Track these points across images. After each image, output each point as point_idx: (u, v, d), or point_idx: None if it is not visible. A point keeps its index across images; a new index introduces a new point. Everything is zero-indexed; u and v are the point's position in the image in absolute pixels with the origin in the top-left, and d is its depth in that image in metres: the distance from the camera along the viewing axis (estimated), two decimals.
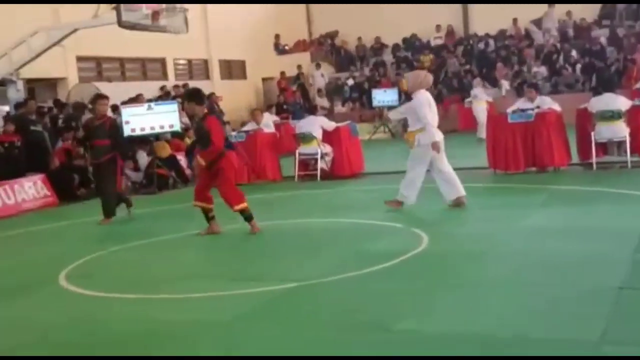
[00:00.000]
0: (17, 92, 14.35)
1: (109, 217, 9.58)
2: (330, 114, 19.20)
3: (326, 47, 27.08)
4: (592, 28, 22.76)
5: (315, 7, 27.78)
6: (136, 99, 15.70)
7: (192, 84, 18.25)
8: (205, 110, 8.11)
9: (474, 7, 25.29)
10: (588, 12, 23.44)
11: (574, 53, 21.83)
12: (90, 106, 14.99)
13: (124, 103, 15.00)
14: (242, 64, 24.73)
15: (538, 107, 11.05)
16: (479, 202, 8.88)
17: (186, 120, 15.26)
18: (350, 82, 24.41)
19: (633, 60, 20.06)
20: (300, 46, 27.08)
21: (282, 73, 24.36)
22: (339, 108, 23.72)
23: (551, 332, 4.11)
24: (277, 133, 14.10)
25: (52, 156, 12.59)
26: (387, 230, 7.54)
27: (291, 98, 22.66)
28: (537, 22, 23.80)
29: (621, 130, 10.50)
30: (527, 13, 23.76)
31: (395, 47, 25.63)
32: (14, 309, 5.67)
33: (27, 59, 14.30)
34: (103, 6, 13.84)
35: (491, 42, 24.09)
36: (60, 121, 14.35)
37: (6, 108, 14.72)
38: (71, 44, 15.78)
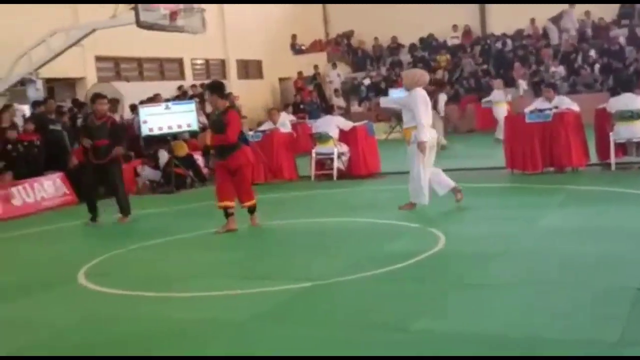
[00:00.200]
0: (36, 92, 14.50)
1: (127, 215, 9.65)
2: (346, 114, 19.20)
3: (343, 47, 27.09)
4: (611, 28, 22.58)
5: (331, 7, 27.81)
6: (154, 99, 15.81)
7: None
8: (227, 104, 8.33)
9: (491, 7, 25.20)
10: (607, 12, 23.25)
11: (592, 53, 21.67)
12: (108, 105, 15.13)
13: (141, 103, 15.11)
14: (258, 64, 24.81)
15: (556, 107, 10.98)
16: (496, 202, 8.86)
17: (204, 119, 15.36)
18: (367, 81, 24.40)
19: None
20: (316, 46, 27.11)
21: (300, 73, 24.40)
22: (355, 108, 23.72)
23: (568, 333, 4.09)
24: (294, 133, 14.12)
25: (71, 155, 12.70)
26: (403, 230, 7.53)
27: (308, 98, 22.71)
28: (555, 20, 23.61)
29: None
30: (544, 12, 23.63)
31: (412, 47, 25.59)
32: (32, 307, 5.73)
33: (46, 59, 14.45)
34: (121, 6, 13.94)
35: (508, 41, 23.98)
36: (79, 120, 14.47)
37: (26, 107, 14.88)
38: (90, 44, 15.93)
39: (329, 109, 15.58)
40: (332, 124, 12.65)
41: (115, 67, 19.25)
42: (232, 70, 23.38)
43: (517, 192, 9.78)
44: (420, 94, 8.40)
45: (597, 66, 21.10)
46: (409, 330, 4.33)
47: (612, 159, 10.53)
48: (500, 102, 16.72)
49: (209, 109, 16.66)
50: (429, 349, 3.98)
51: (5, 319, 5.42)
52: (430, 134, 8.37)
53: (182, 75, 21.26)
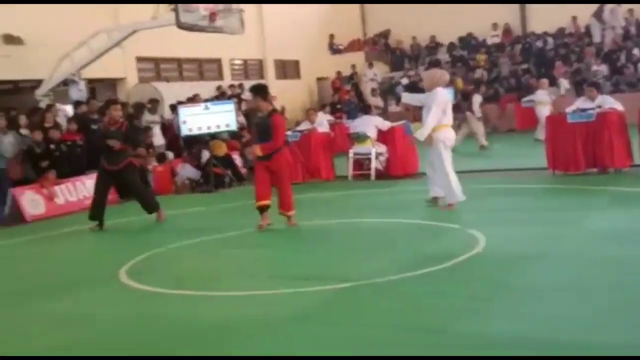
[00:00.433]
0: (79, 92, 14.76)
1: (157, 209, 9.72)
2: (384, 114, 19.13)
3: (380, 47, 26.99)
4: None
5: (369, 7, 27.73)
6: (193, 99, 15.97)
7: (247, 83, 18.41)
8: (271, 107, 8.37)
9: (531, 5, 24.84)
10: None
11: (636, 51, 21.21)
12: (149, 106, 15.35)
13: (181, 103, 15.27)
14: (296, 64, 24.87)
15: (599, 106, 10.77)
16: (537, 204, 8.73)
17: (242, 119, 15.46)
18: (405, 81, 24.27)
19: None
20: (354, 46, 27.06)
21: (338, 73, 24.39)
22: (392, 107, 23.61)
23: (615, 336, 4.01)
24: (332, 132, 14.13)
25: None
26: (442, 231, 7.48)
27: (345, 97, 22.68)
28: (598, 15, 23.05)
29: None
30: (586, 10, 23.17)
31: (451, 46, 25.38)
32: (75, 305, 5.82)
33: (88, 60, 14.70)
34: (162, 8, 14.11)
35: (549, 40, 23.61)
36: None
37: (68, 107, 15.15)
38: (130, 45, 16.15)
39: (366, 109, 15.54)
40: (370, 124, 12.62)
41: (156, 67, 19.48)
42: (270, 70, 23.47)
43: (559, 193, 9.61)
44: (440, 94, 8.47)
45: None
46: (450, 332, 4.29)
47: None
48: (544, 102, 16.48)
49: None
50: (473, 351, 3.93)
51: (49, 316, 5.52)
52: (447, 135, 8.48)
53: (220, 76, 21.41)
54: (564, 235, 6.77)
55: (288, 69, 24.64)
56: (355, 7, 27.72)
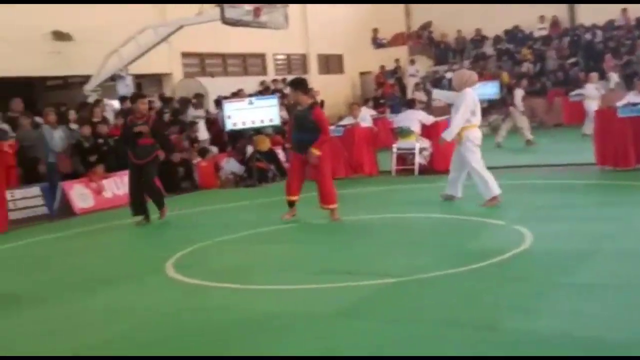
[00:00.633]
0: (126, 87, 15.01)
1: (162, 207, 9.75)
2: (427, 108, 18.98)
3: (424, 40, 26.75)
4: None
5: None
6: (237, 94, 16.09)
7: (291, 78, 18.52)
8: (311, 101, 8.39)
9: None
10: None
11: None
12: (194, 101, 15.53)
13: (225, 98, 15.40)
14: (339, 58, 24.85)
15: None
16: (586, 200, 8.56)
17: (285, 114, 15.52)
18: (449, 75, 24.00)
19: None
20: (398, 40, 26.90)
21: (382, 67, 24.27)
22: (436, 102, 23.37)
23: None
24: (375, 127, 14.07)
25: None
26: (487, 227, 7.38)
27: (389, 92, 22.56)
28: None
29: None
30: (637, 2, 22.58)
31: (497, 39, 25.02)
32: (122, 297, 5.92)
33: (135, 56, 14.93)
34: (206, 4, 14.26)
35: (599, 32, 23.09)
36: (166, 115, 14.90)
37: (116, 102, 15.42)
38: (176, 40, 16.36)
39: (410, 103, 15.43)
40: (413, 119, 12.53)
41: (201, 62, 19.70)
42: (313, 65, 23.51)
43: (608, 189, 9.41)
44: (469, 95, 8.40)
45: None
46: (499, 329, 4.23)
47: None
48: (592, 96, 16.13)
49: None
50: (521, 349, 3.87)
51: (97, 309, 5.61)
52: (475, 134, 8.49)
53: (264, 71, 21.54)
54: (613, 232, 6.62)
55: (331, 64, 24.64)
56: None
